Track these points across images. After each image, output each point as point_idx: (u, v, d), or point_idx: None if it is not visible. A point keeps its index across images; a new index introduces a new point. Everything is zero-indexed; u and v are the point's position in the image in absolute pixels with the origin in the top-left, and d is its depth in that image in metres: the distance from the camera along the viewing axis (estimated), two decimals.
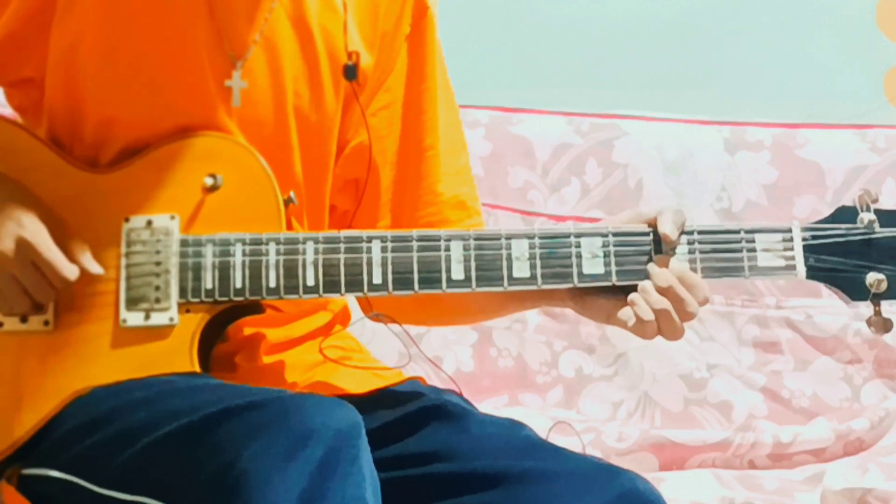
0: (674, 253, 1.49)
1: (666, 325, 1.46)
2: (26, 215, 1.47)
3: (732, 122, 2.57)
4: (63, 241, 1.48)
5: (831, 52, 2.83)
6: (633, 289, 1.48)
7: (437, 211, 1.65)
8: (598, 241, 1.49)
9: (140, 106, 1.53)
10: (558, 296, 1.53)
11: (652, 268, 1.48)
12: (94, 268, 1.48)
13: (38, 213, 1.48)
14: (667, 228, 1.48)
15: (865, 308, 1.50)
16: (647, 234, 1.50)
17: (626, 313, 1.47)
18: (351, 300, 1.68)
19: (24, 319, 1.50)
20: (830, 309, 2.43)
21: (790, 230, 1.50)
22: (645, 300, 1.46)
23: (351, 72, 1.60)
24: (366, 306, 1.60)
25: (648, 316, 1.46)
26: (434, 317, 1.73)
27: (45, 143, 1.55)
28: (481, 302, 1.60)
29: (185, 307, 1.48)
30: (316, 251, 1.48)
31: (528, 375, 2.47)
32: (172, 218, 1.50)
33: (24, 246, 1.45)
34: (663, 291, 1.46)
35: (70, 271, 1.46)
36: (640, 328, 1.47)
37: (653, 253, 1.49)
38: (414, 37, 1.67)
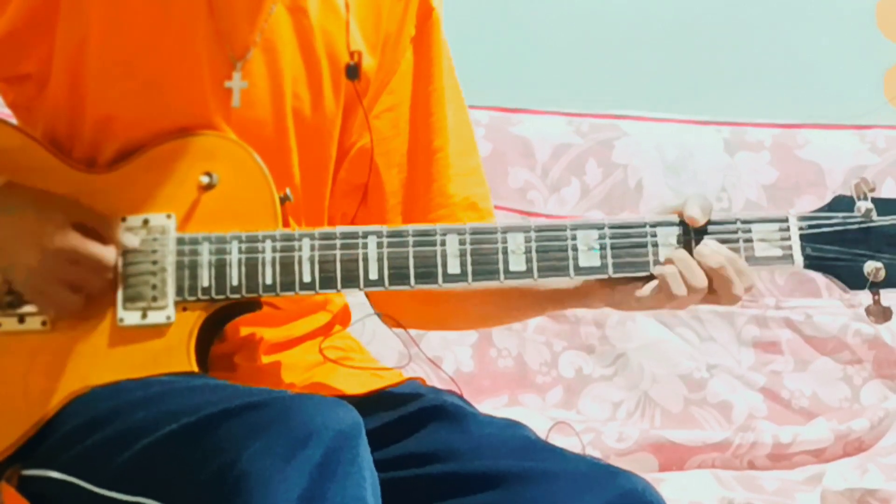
0: (701, 239, 1.48)
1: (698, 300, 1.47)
2: (49, 223, 1.47)
3: (732, 123, 2.57)
4: (88, 227, 1.48)
5: (831, 52, 2.83)
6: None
7: (450, 213, 1.65)
8: (594, 233, 1.49)
9: (138, 105, 1.53)
10: (594, 295, 1.53)
11: (709, 244, 1.47)
12: (131, 241, 1.48)
13: (59, 211, 1.48)
14: (693, 212, 1.48)
15: (865, 297, 1.49)
16: (642, 225, 1.49)
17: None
18: (351, 300, 1.68)
19: (21, 319, 1.50)
20: (830, 309, 2.43)
21: (787, 220, 1.50)
22: (683, 274, 1.46)
23: (353, 71, 1.60)
24: (376, 304, 1.61)
25: (682, 291, 1.46)
26: (458, 317, 1.70)
27: (41, 144, 1.55)
28: (514, 300, 1.59)
29: (182, 305, 1.48)
30: (312, 247, 1.48)
31: (527, 376, 2.47)
32: (169, 217, 1.50)
33: (59, 253, 1.46)
34: (712, 272, 1.46)
35: (109, 255, 1.47)
36: (674, 301, 1.47)
37: (681, 239, 1.48)
38: (420, 38, 1.67)
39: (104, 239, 1.48)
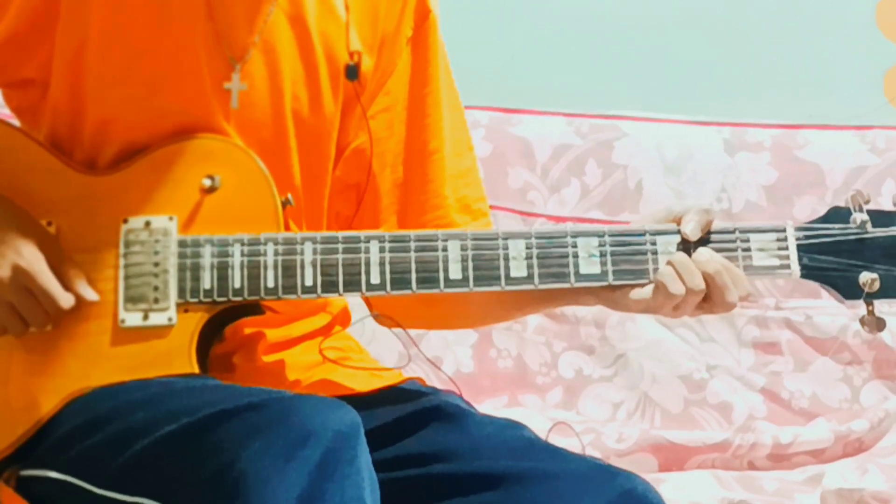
0: (699, 247, 1.49)
1: (694, 307, 1.47)
2: (24, 243, 1.47)
3: (732, 123, 2.57)
4: (60, 267, 1.48)
5: (831, 52, 2.83)
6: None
7: (444, 214, 1.65)
8: (595, 241, 1.50)
9: (138, 107, 1.53)
10: (591, 294, 1.53)
11: (704, 252, 1.48)
12: (90, 295, 1.48)
13: (36, 239, 1.48)
14: (688, 228, 1.49)
15: (860, 306, 1.50)
16: (642, 234, 1.50)
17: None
18: (351, 301, 1.68)
19: None
20: (830, 310, 2.43)
21: (784, 230, 1.51)
22: (680, 277, 1.47)
23: (352, 71, 1.60)
24: (376, 304, 1.60)
25: (679, 290, 1.46)
26: (457, 317, 1.71)
27: (43, 146, 1.55)
28: (506, 300, 1.60)
29: (183, 307, 1.48)
30: (314, 251, 1.48)
31: (527, 376, 2.47)
32: (171, 219, 1.50)
33: (20, 274, 1.46)
34: (708, 277, 1.47)
35: (65, 300, 1.47)
36: (671, 308, 1.48)
37: (680, 248, 1.49)
38: (417, 39, 1.67)
39: (67, 285, 1.48)
